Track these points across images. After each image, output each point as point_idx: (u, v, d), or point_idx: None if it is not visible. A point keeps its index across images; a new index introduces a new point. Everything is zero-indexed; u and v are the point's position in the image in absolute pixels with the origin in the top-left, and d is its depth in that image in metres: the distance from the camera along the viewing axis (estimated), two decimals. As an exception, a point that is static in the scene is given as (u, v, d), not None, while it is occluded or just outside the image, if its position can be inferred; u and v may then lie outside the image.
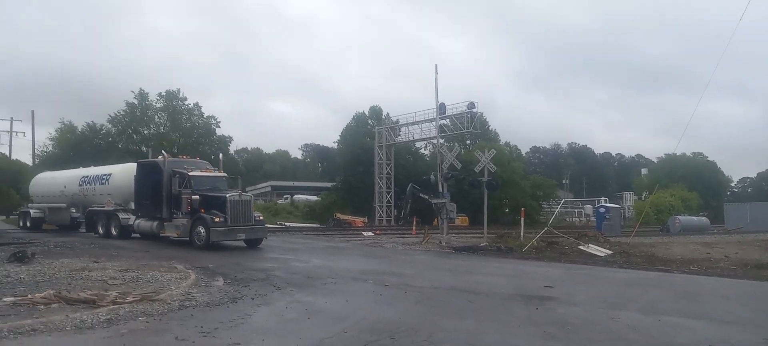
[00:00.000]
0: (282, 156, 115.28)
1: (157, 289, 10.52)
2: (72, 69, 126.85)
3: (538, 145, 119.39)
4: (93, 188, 27.90)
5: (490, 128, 69.23)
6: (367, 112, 62.44)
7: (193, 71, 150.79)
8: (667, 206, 58.19)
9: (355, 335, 7.65)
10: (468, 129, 48.40)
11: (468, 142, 60.54)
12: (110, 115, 55.55)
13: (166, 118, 56.91)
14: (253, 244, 21.26)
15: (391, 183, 52.43)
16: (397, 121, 54.48)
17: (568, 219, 65.87)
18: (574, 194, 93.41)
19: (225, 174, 23.87)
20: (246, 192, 26.18)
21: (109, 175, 27.40)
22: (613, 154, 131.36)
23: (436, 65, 31.81)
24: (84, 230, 27.83)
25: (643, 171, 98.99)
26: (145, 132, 56.09)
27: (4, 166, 56.49)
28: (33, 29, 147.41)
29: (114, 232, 24.95)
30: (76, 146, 53.23)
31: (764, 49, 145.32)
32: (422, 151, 62.28)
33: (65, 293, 9.32)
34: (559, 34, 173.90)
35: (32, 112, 50.72)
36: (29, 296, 9.21)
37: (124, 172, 26.68)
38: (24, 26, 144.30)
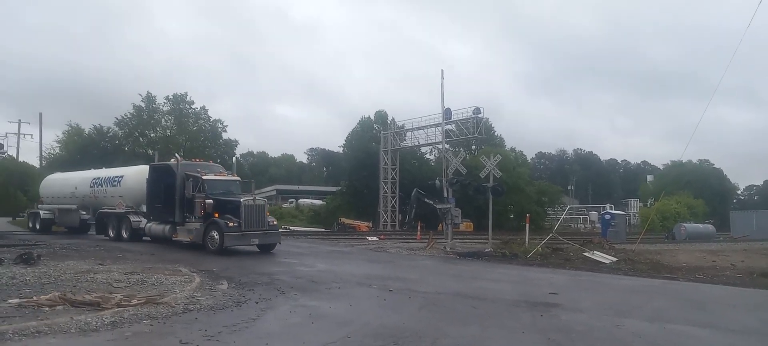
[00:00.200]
0: (287, 160, 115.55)
1: (162, 292, 10.54)
2: (79, 71, 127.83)
3: (543, 151, 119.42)
4: (104, 189, 27.74)
5: (496, 134, 69.31)
6: (372, 117, 62.59)
7: (200, 74, 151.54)
8: (673, 213, 57.95)
9: (359, 340, 7.64)
10: (473, 134, 48.41)
11: (473, 147, 60.54)
12: (117, 118, 55.87)
13: (172, 121, 57.12)
14: (266, 249, 20.98)
15: (396, 188, 52.47)
16: (403, 126, 54.56)
17: (573, 225, 65.65)
18: (580, 200, 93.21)
19: (238, 178, 23.70)
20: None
21: (121, 177, 27.23)
22: (619, 160, 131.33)
23: (441, 70, 31.77)
24: (94, 233, 27.65)
25: (649, 178, 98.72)
26: (152, 135, 56.31)
27: (12, 168, 56.84)
28: (40, 31, 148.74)
29: (125, 235, 24.79)
30: (83, 149, 53.52)
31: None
32: (427, 156, 62.42)
33: (70, 296, 9.36)
34: (566, 39, 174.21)
35: (40, 114, 51.14)
36: (34, 297, 9.25)
37: (136, 174, 26.51)
38: (32, 29, 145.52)
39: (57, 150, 57.30)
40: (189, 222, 21.31)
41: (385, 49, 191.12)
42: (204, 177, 21.42)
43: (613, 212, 47.81)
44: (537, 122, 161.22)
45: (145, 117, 55.98)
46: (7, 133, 54.75)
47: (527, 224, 25.85)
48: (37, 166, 54.47)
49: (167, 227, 22.24)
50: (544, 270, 18.07)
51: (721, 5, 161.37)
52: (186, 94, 57.45)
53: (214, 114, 59.22)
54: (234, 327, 8.04)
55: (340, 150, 71.85)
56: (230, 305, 9.83)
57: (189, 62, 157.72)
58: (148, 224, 23.55)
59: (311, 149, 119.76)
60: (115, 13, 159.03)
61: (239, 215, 19.84)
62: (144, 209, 24.76)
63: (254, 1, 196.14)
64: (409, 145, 54.64)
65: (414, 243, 28.82)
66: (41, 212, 31.47)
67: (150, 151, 51.81)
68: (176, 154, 25.04)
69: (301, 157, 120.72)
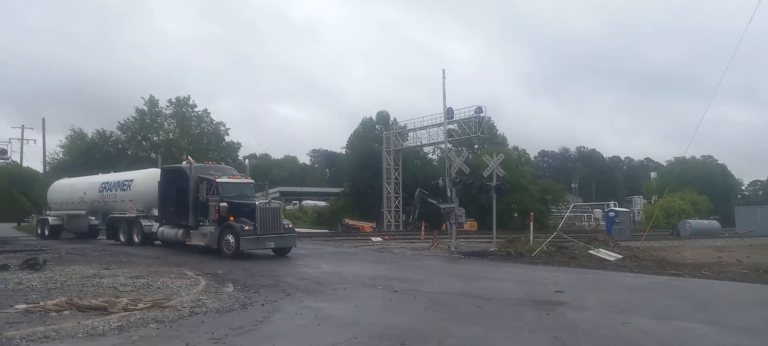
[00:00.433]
0: (290, 162, 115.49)
1: (168, 295, 10.57)
2: (80, 72, 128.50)
3: (546, 150, 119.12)
4: (114, 194, 27.53)
5: (498, 133, 69.18)
6: (374, 117, 62.57)
7: (200, 75, 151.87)
8: (677, 210, 57.75)
9: (365, 341, 7.64)
10: (476, 133, 48.36)
11: (476, 146, 60.47)
12: (120, 122, 55.94)
13: (175, 124, 57.16)
14: (281, 252, 20.61)
15: (399, 188, 52.46)
16: (405, 126, 54.55)
17: (577, 223, 65.59)
18: (583, 198, 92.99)
19: (252, 180, 23.39)
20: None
21: (131, 181, 26.99)
22: (622, 158, 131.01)
23: (443, 70, 31.88)
24: (105, 238, 27.37)
25: (653, 175, 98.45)
26: (155, 139, 56.37)
27: (16, 173, 57.02)
28: (41, 32, 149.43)
29: (136, 239, 24.59)
30: (86, 153, 53.61)
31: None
32: (430, 156, 62.33)
33: (77, 300, 9.39)
34: (567, 38, 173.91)
35: (43, 119, 51.30)
36: (41, 303, 9.28)
37: (146, 178, 26.34)
38: (32, 29, 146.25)
39: (60, 155, 57.45)
40: (203, 226, 20.96)
41: (385, 50, 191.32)
42: (218, 180, 21.06)
43: (618, 209, 47.78)
44: (538, 122, 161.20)
45: (147, 121, 56.04)
46: (10, 138, 54.91)
47: (532, 223, 25.86)
48: (41, 171, 54.60)
49: (180, 231, 21.88)
50: (549, 269, 18.06)
51: (721, 5, 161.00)
52: (189, 97, 57.48)
53: (215, 115, 59.20)
54: (240, 330, 8.06)
55: (343, 151, 71.95)
56: (236, 307, 9.84)
57: (189, 63, 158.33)
58: (161, 229, 23.26)
59: (313, 151, 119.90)
60: (115, 13, 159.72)
61: (254, 218, 19.48)
62: (155, 212, 24.51)
63: (254, 1, 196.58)
64: (412, 145, 54.64)
65: (418, 243, 28.83)
66: (50, 218, 31.26)
67: (153, 155, 51.87)
68: (188, 157, 24.76)
69: (304, 159, 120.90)
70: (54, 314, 8.64)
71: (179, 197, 21.87)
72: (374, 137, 59.75)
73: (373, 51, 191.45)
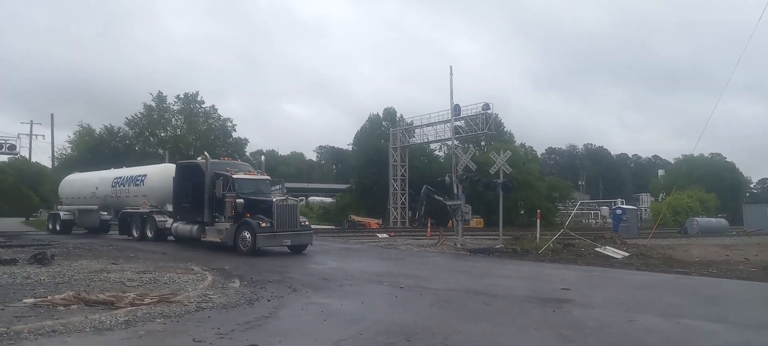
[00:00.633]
0: (297, 158, 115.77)
1: (175, 290, 10.61)
2: (88, 71, 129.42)
3: (553, 147, 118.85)
4: (127, 189, 27.34)
5: (505, 129, 68.98)
6: (381, 114, 62.49)
7: (208, 73, 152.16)
8: (685, 208, 57.52)
9: (371, 337, 7.65)
10: (483, 130, 48.29)
11: (483, 143, 60.33)
12: (127, 118, 56.14)
13: (182, 120, 57.29)
14: (297, 250, 20.22)
15: (405, 185, 52.46)
16: (412, 123, 54.48)
17: (584, 221, 65.34)
18: (591, 195, 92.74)
19: (268, 177, 23.17)
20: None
21: (145, 176, 26.77)
22: (630, 155, 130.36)
23: (450, 66, 31.77)
24: (117, 233, 27.19)
25: (660, 172, 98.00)
26: (162, 134, 56.55)
27: (25, 168, 57.36)
28: (49, 32, 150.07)
29: (149, 234, 24.40)
30: (94, 149, 53.89)
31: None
32: (437, 152, 62.32)
33: (84, 295, 9.44)
34: (574, 34, 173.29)
35: (52, 115, 51.25)
36: (49, 297, 9.34)
37: (160, 173, 26.21)
38: (40, 29, 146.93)
39: (68, 150, 57.72)
40: (218, 222, 20.76)
41: (391, 47, 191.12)
42: (234, 176, 20.85)
43: (625, 206, 47.55)
44: (546, 118, 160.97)
45: (155, 117, 56.21)
46: (19, 134, 55.08)
47: (538, 220, 25.77)
48: (49, 166, 54.91)
49: (195, 228, 21.70)
50: (556, 266, 18.01)
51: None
52: (197, 93, 57.59)
53: (223, 113, 59.34)
54: (247, 325, 8.08)
55: (349, 148, 71.92)
56: (242, 303, 9.87)
57: (197, 62, 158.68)
58: (175, 224, 23.03)
59: (320, 147, 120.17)
60: (123, 12, 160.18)
61: (272, 215, 19.26)
62: (168, 208, 24.34)
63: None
64: (418, 141, 54.58)
65: (424, 240, 28.83)
66: (61, 213, 31.11)
67: (160, 151, 52.09)
68: (204, 153, 24.63)
69: (311, 156, 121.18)
70: (62, 308, 8.69)
71: (195, 193, 21.69)
72: (381, 134, 59.73)
73: (380, 48, 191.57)
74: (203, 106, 57.73)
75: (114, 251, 19.64)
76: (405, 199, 52.09)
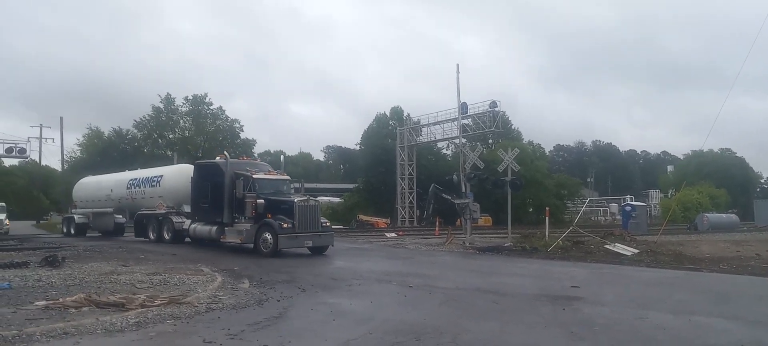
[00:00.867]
0: (304, 158, 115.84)
1: (185, 292, 10.66)
2: (95, 72, 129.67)
3: (561, 144, 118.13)
4: (142, 190, 27.08)
5: (513, 127, 68.72)
6: (388, 113, 62.50)
7: (214, 74, 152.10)
8: (695, 204, 57.18)
9: (380, 336, 7.66)
10: (490, 128, 48.21)
11: (490, 141, 60.27)
12: (135, 120, 56.44)
13: (190, 122, 57.54)
14: (318, 251, 19.93)
15: (413, 184, 52.44)
16: (419, 122, 54.45)
17: (593, 218, 65.16)
18: (599, 192, 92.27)
19: (288, 177, 23.00)
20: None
21: (161, 176, 26.48)
22: (639, 151, 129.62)
23: (457, 64, 31.63)
24: (133, 236, 26.88)
25: (670, 168, 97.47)
26: (171, 136, 56.82)
27: (35, 172, 57.83)
28: (56, 35, 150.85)
29: (167, 236, 24.06)
30: (103, 152, 54.28)
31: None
32: (444, 151, 62.24)
33: (95, 297, 9.50)
34: (581, 30, 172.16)
35: (61, 118, 51.57)
36: (60, 299, 9.41)
37: (176, 173, 26.00)
38: (47, 33, 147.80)
39: (77, 153, 58.12)
40: (238, 223, 20.38)
41: (398, 45, 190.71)
42: (255, 176, 20.54)
43: (634, 203, 47.35)
44: (553, 115, 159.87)
45: (163, 118, 56.48)
46: (29, 137, 55.51)
47: (547, 218, 25.67)
48: (59, 169, 55.30)
49: (214, 229, 21.24)
50: (565, 264, 17.95)
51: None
52: (206, 95, 57.88)
53: (230, 113, 59.63)
54: (257, 326, 8.10)
55: (357, 147, 72.00)
56: (252, 303, 9.90)
57: (203, 62, 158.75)
58: (193, 226, 22.61)
59: (328, 147, 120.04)
60: (129, 14, 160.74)
61: (293, 215, 18.95)
62: (186, 209, 24.00)
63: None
64: (426, 140, 54.56)
65: (432, 239, 28.80)
66: (76, 217, 31.03)
67: (169, 153, 52.35)
68: (224, 152, 24.45)
69: (318, 156, 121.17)
70: (73, 310, 8.75)
71: (214, 194, 21.26)
72: (388, 133, 59.74)
73: (386, 47, 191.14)
74: (211, 107, 57.99)
75: (123, 253, 19.73)
76: (413, 198, 52.08)
